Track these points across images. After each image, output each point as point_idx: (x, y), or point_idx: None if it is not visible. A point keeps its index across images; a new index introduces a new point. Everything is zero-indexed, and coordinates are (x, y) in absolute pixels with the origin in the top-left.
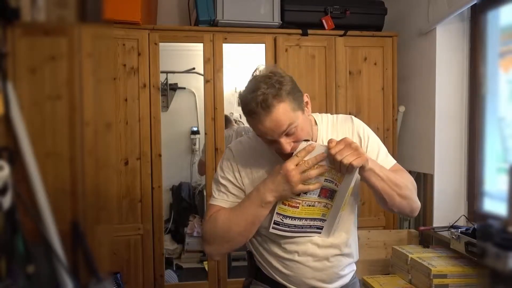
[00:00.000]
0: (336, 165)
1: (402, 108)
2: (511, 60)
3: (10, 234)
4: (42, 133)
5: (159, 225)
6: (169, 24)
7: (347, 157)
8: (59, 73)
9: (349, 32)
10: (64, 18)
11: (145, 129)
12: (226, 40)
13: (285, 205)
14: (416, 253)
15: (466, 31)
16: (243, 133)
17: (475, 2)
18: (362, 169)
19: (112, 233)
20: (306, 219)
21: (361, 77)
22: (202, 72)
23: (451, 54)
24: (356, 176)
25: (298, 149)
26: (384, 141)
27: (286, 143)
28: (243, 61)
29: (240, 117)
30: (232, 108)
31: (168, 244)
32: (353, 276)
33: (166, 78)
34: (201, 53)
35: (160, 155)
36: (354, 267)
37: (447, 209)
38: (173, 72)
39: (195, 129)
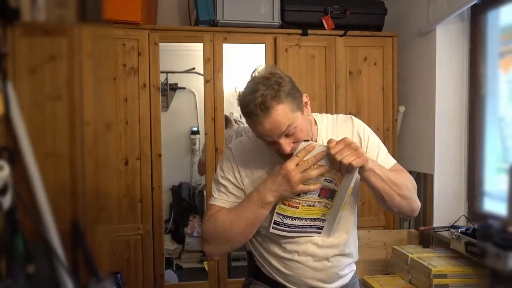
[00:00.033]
0: (336, 165)
1: (402, 108)
2: (511, 60)
3: (10, 234)
4: (42, 133)
5: (159, 225)
6: (169, 24)
7: (347, 157)
8: (59, 73)
9: (349, 32)
10: (64, 18)
11: (145, 129)
12: (226, 40)
13: (285, 205)
14: (416, 253)
15: (466, 31)
16: (243, 133)
17: (475, 2)
18: (362, 169)
19: (112, 233)
20: (306, 219)
21: (361, 77)
22: (202, 72)
23: (451, 54)
24: (356, 176)
25: (298, 149)
26: (384, 141)
27: (286, 144)
28: (243, 61)
29: (240, 117)
30: (232, 108)
31: (168, 244)
32: (353, 276)
33: (166, 78)
34: (201, 53)
35: (160, 155)
36: (354, 267)
37: (447, 209)
38: (173, 72)
39: (195, 129)
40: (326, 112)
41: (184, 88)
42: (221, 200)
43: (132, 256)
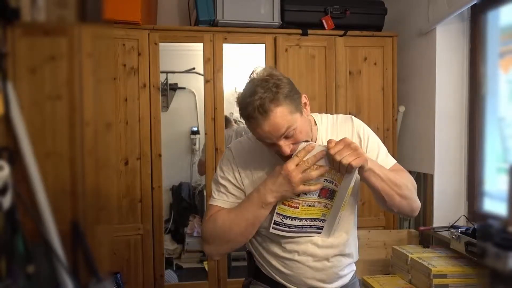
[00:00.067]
0: (335, 165)
1: (402, 108)
2: (511, 60)
3: (10, 234)
4: (42, 133)
5: (159, 225)
6: (169, 24)
7: (346, 157)
8: (59, 73)
9: (349, 32)
10: (64, 18)
11: (145, 129)
12: (226, 40)
13: (285, 205)
14: (416, 253)
15: (466, 31)
16: (243, 133)
17: (475, 2)
18: (361, 169)
19: (112, 233)
20: (306, 219)
21: (361, 77)
22: (202, 72)
23: (451, 54)
24: (356, 176)
25: (297, 150)
26: (384, 141)
27: (286, 146)
28: (243, 61)
29: (240, 117)
30: (232, 108)
31: (168, 244)
32: (352, 276)
33: (166, 78)
34: (201, 53)
35: (160, 155)
36: (354, 267)
37: (447, 209)
38: (173, 72)
39: (195, 129)
40: (326, 112)
41: (184, 88)
42: (221, 200)
43: (132, 256)
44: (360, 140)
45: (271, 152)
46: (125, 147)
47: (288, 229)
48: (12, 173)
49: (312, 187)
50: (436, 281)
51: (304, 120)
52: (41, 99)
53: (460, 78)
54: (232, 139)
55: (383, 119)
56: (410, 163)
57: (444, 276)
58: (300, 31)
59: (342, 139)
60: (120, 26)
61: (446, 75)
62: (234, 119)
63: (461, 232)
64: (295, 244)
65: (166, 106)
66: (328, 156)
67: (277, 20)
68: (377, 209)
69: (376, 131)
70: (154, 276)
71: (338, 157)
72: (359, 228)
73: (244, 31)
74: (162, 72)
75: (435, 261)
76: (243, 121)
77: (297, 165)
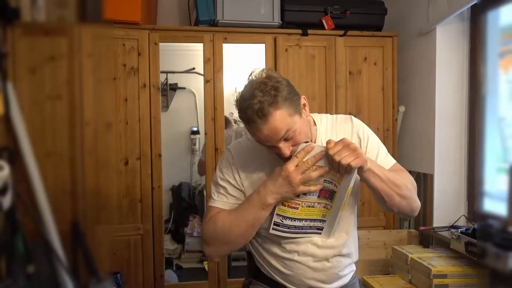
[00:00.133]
0: (334, 166)
1: (402, 108)
2: (511, 60)
3: (10, 234)
4: (42, 133)
5: (159, 225)
6: (169, 24)
7: (346, 158)
8: (59, 73)
9: (349, 32)
10: (64, 18)
11: (145, 129)
12: (226, 40)
13: (285, 206)
14: (416, 253)
15: (466, 31)
16: (243, 133)
17: (475, 2)
18: (361, 169)
19: (112, 233)
20: (306, 220)
21: (361, 77)
22: (202, 72)
23: (451, 54)
24: (355, 176)
25: (297, 150)
26: (384, 141)
27: (285, 148)
28: (243, 61)
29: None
30: (232, 108)
31: (168, 244)
32: (352, 276)
33: (166, 78)
34: (201, 53)
35: (160, 155)
36: (353, 267)
37: (447, 209)
38: (173, 72)
39: (195, 129)
40: (326, 112)
41: (184, 88)
42: (220, 202)
43: (132, 256)
44: (360, 140)
45: (271, 153)
46: (125, 147)
47: (288, 229)
48: (12, 173)
49: (312, 188)
50: (436, 281)
51: (303, 121)
52: (41, 99)
53: (460, 78)
54: (232, 139)
55: (383, 119)
56: (410, 163)
57: (444, 276)
58: (300, 31)
59: (341, 139)
60: (120, 26)
61: (446, 75)
62: (234, 119)
63: (461, 232)
64: (295, 244)
65: (166, 106)
66: (327, 156)
67: (277, 20)
68: (377, 209)
69: (376, 131)
70: (154, 276)
71: (337, 158)
72: (359, 228)
73: (244, 31)
74: (162, 72)
75: (435, 261)
76: None
77: (296, 166)
